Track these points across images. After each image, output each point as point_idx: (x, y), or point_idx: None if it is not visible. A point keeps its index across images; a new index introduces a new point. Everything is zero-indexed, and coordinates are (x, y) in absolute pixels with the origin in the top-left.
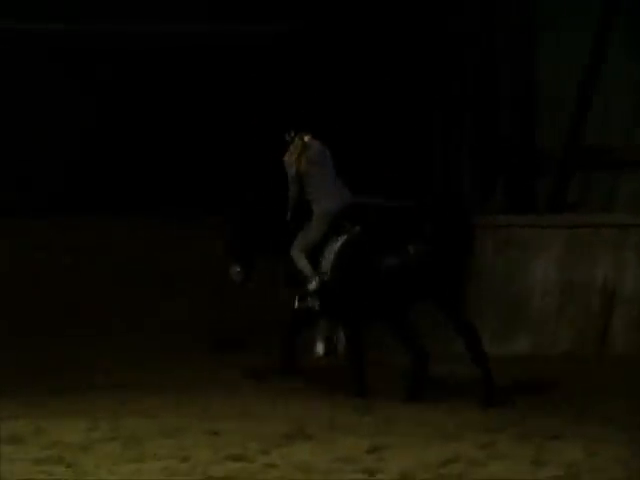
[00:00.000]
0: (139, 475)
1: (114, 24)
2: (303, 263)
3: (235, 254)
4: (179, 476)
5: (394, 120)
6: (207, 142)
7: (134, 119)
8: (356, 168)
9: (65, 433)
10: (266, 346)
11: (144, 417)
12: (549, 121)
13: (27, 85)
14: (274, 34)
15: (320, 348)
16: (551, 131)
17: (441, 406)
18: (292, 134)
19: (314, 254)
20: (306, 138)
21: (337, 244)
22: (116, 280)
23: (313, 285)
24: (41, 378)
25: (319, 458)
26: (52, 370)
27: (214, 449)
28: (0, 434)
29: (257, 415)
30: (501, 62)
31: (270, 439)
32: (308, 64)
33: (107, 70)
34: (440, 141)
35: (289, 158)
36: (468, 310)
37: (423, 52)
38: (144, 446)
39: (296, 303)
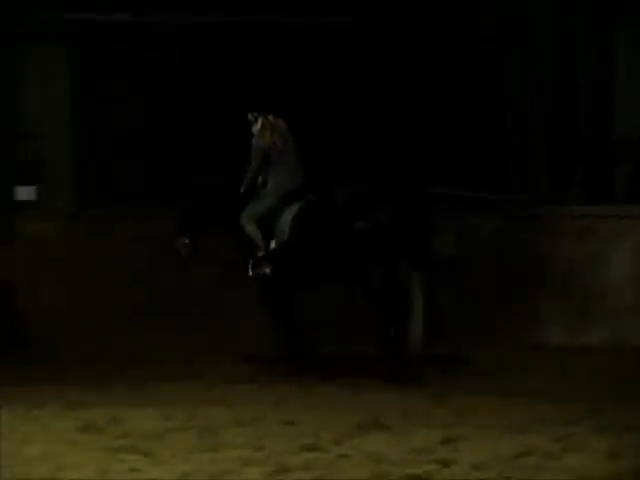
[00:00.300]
0: (214, 464)
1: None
2: (254, 231)
3: (183, 228)
4: (254, 465)
5: (471, 112)
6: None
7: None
8: (432, 162)
9: (141, 422)
10: (340, 336)
11: (219, 406)
12: (627, 111)
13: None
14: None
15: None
16: (630, 121)
17: (517, 398)
18: (255, 114)
19: (264, 223)
20: (270, 117)
21: (294, 209)
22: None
23: (272, 245)
24: (120, 368)
25: (392, 449)
26: (133, 360)
27: (288, 439)
28: (76, 423)
29: (331, 405)
30: (579, 53)
31: (344, 429)
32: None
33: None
34: (517, 132)
35: (259, 134)
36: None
37: (498, 42)
38: (219, 435)
39: (250, 270)
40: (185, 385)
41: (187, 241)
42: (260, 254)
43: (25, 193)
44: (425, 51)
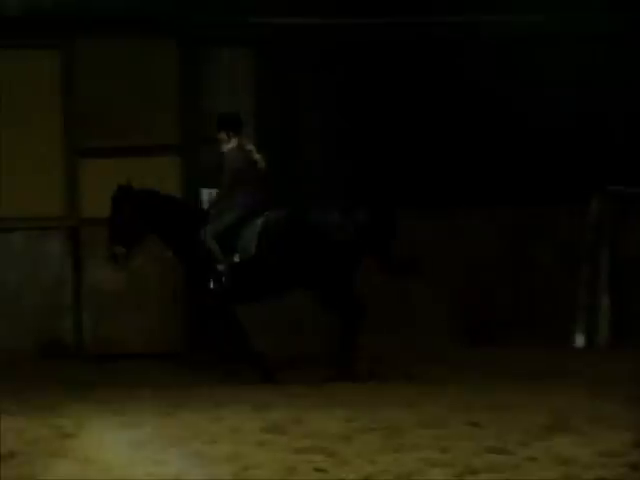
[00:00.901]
0: (399, 465)
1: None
2: (215, 247)
3: (118, 236)
4: (439, 467)
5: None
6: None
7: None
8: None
9: (325, 423)
10: (519, 336)
11: (402, 407)
12: None
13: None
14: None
15: (580, 340)
16: None
17: None
18: (230, 133)
19: (223, 238)
20: (243, 137)
21: (257, 225)
22: None
23: (235, 259)
24: (307, 368)
25: (581, 451)
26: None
27: (473, 440)
28: (262, 424)
29: (515, 406)
30: None
31: (529, 431)
32: None
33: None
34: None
35: (235, 155)
36: None
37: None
38: (403, 436)
39: (211, 284)
40: (366, 385)
41: (123, 250)
42: (221, 268)
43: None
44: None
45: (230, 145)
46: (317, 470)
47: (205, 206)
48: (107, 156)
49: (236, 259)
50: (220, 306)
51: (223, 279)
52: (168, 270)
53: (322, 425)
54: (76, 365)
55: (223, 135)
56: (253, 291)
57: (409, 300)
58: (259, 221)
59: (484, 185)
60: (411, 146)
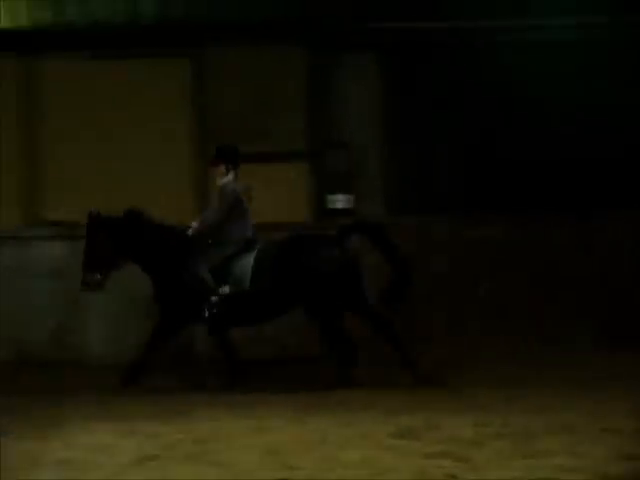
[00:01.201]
0: (531, 471)
1: None
2: (209, 278)
3: (92, 263)
4: (574, 473)
5: None
6: None
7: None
8: None
9: (457, 428)
10: None
11: (533, 414)
12: None
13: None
14: None
15: None
16: None
17: None
18: (230, 166)
19: (215, 270)
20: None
21: (250, 259)
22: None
23: (225, 290)
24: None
25: None
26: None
27: (607, 447)
28: (392, 429)
29: None
30: None
31: None
32: None
33: None
34: None
35: (232, 187)
36: None
37: None
38: (535, 442)
39: (206, 312)
40: (497, 390)
41: (99, 276)
42: (214, 298)
43: (341, 201)
44: None
45: (227, 178)
46: (448, 476)
47: (333, 206)
48: None
49: (226, 290)
50: (212, 329)
51: (214, 310)
52: None
53: (453, 430)
54: (207, 371)
55: (222, 168)
56: (244, 319)
57: (556, 304)
58: (252, 255)
59: (621, 187)
60: (546, 148)
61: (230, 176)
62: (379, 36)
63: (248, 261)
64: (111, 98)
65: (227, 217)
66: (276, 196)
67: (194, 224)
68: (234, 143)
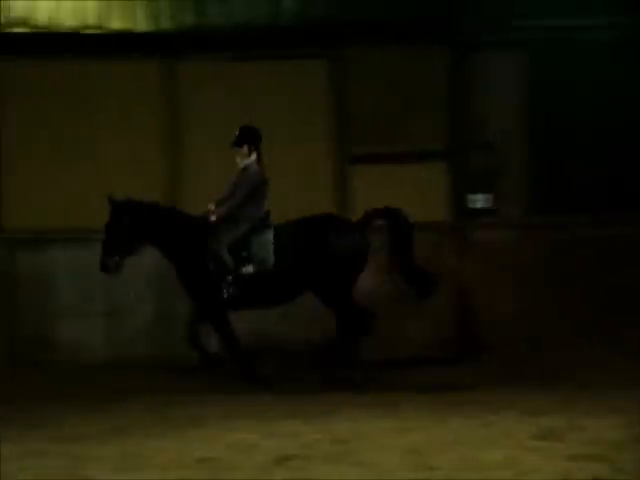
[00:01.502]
0: None
1: None
2: (228, 257)
3: (111, 246)
4: None
5: None
6: None
7: None
8: None
9: (600, 430)
10: None
11: None
12: None
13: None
14: None
15: None
16: None
17: None
18: (252, 147)
19: (234, 249)
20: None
21: (269, 237)
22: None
23: (249, 269)
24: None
25: None
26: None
27: None
28: (534, 429)
29: None
30: None
31: None
32: None
33: None
34: None
35: (256, 168)
36: None
37: None
38: None
39: (225, 292)
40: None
41: (117, 259)
42: (230, 278)
43: (481, 201)
44: None
45: (251, 159)
46: (594, 478)
47: (474, 206)
48: (376, 162)
49: (250, 269)
50: (221, 313)
51: (231, 289)
52: None
53: (597, 432)
54: (345, 370)
55: (245, 149)
56: (263, 298)
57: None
58: (269, 233)
59: None
60: None
61: (253, 157)
62: (523, 34)
63: (268, 239)
64: (251, 99)
65: (247, 198)
66: (414, 195)
67: (211, 206)
68: (253, 125)
